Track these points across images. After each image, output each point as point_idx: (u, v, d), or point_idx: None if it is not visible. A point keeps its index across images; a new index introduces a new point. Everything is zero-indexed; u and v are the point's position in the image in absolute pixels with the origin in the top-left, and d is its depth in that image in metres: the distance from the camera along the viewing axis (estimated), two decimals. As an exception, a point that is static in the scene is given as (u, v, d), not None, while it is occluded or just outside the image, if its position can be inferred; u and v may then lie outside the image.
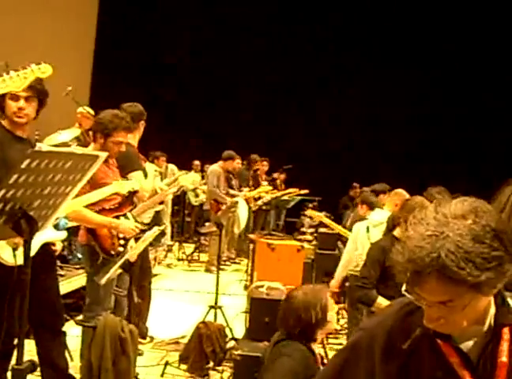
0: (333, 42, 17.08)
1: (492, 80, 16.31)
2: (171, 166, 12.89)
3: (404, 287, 1.72)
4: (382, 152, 16.51)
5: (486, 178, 12.58)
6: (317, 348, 3.84)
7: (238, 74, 17.01)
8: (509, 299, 1.81)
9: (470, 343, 1.76)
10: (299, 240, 10.40)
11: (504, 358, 1.73)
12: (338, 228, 8.20)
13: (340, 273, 7.22)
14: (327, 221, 8.66)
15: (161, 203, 6.51)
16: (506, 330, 1.75)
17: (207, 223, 8.08)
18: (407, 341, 1.78)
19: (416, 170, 15.52)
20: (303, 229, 11.65)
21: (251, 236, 8.23)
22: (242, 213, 10.64)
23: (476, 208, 1.67)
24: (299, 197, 13.49)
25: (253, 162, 13.26)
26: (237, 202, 7.95)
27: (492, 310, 1.76)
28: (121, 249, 5.14)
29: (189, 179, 5.95)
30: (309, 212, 9.52)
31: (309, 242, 10.05)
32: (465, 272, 1.57)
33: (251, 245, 7.90)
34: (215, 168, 11.63)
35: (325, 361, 3.87)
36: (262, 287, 5.37)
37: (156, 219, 6.89)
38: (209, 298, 7.10)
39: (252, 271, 7.38)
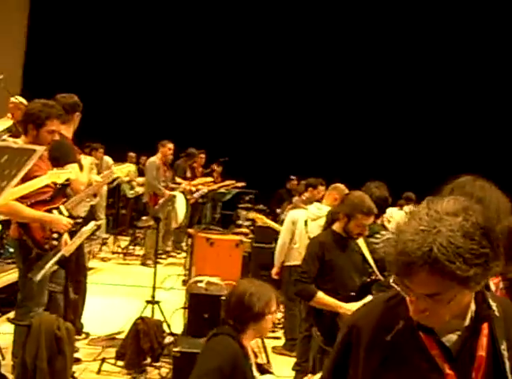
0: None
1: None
2: (107, 159, 12.67)
3: (391, 279, 1.78)
4: (319, 145, 16.64)
5: (426, 174, 12.85)
6: (249, 344, 3.81)
7: (174, 64, 16.88)
8: (489, 297, 1.89)
9: (453, 337, 1.83)
10: (236, 233, 10.41)
11: (482, 352, 1.82)
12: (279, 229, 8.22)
13: (278, 260, 7.27)
14: (270, 223, 8.67)
15: (96, 196, 6.36)
16: (485, 325, 1.84)
17: (144, 217, 7.95)
18: (390, 333, 1.84)
19: (355, 163, 15.72)
20: (239, 222, 11.63)
21: (190, 230, 8.15)
22: (180, 207, 10.55)
23: (466, 206, 1.74)
24: (236, 190, 13.47)
25: (191, 155, 13.16)
26: (175, 196, 7.86)
27: (473, 306, 1.84)
28: (54, 243, 5.01)
29: (124, 170, 5.82)
30: (252, 215, 9.51)
31: (245, 235, 10.04)
32: (455, 266, 1.64)
33: (189, 240, 7.82)
34: (153, 160, 11.50)
35: (260, 357, 3.86)
36: (201, 282, 5.31)
37: (92, 213, 6.74)
38: (146, 292, 7.00)
39: (190, 265, 7.31)
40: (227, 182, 13.45)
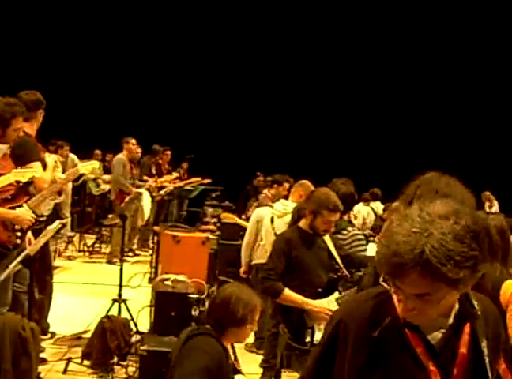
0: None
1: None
2: (72, 156, 12.53)
3: (381, 278, 1.81)
4: (286, 141, 16.68)
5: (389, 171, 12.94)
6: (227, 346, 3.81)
7: (138, 61, 16.79)
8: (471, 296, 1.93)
9: (438, 335, 1.87)
10: (202, 230, 10.37)
11: (464, 350, 1.88)
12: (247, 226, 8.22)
13: (244, 259, 7.28)
14: (241, 222, 8.67)
15: (60, 194, 6.29)
16: (467, 324, 1.90)
17: (110, 215, 7.89)
18: (376, 329, 1.86)
19: (321, 160, 15.80)
20: (206, 219, 11.59)
21: (156, 228, 8.11)
22: (146, 204, 10.49)
23: (457, 209, 1.78)
24: (202, 187, 13.44)
25: (156, 152, 13.10)
26: (141, 193, 7.81)
27: (457, 305, 1.89)
28: (18, 241, 4.95)
29: (88, 167, 5.76)
30: (223, 215, 9.52)
31: (212, 232, 10.02)
32: (446, 268, 1.67)
33: (155, 238, 7.78)
34: (120, 157, 11.42)
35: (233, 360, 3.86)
36: (167, 280, 5.29)
37: (57, 211, 6.66)
38: (112, 290, 6.95)
39: (157, 263, 7.27)
40: (194, 179, 13.43)
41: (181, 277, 5.28)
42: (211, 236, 9.06)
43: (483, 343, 1.89)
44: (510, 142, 16.46)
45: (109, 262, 11.17)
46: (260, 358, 6.51)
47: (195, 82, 16.94)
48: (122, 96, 16.86)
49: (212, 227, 10.55)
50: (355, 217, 11.96)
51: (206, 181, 13.34)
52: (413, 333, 1.85)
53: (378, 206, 12.72)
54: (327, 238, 5.16)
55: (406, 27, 16.99)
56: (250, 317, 3.73)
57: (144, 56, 16.91)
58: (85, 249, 12.11)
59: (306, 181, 7.04)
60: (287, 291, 4.85)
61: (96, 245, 12.37)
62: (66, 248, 11.93)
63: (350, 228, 5.61)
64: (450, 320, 1.88)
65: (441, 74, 17.25)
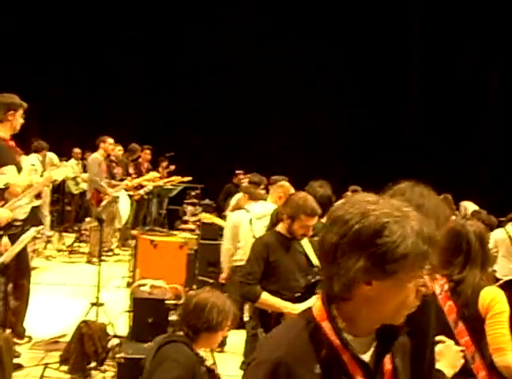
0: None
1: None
2: (51, 155, 12.39)
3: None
4: (266, 140, 16.67)
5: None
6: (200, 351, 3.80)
7: (118, 59, 16.68)
8: None
9: (370, 352, 1.83)
10: (182, 229, 10.32)
11: (389, 366, 1.86)
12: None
13: (224, 265, 7.25)
14: (220, 222, 8.64)
15: (39, 197, 6.24)
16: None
17: (87, 219, 7.84)
18: (317, 364, 1.77)
19: (301, 158, 15.83)
20: (186, 217, 11.56)
21: (133, 232, 8.06)
22: (123, 207, 10.44)
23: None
24: (182, 185, 13.36)
25: (133, 151, 13.02)
26: (117, 197, 7.76)
27: None
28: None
29: (62, 173, 5.71)
30: (201, 215, 9.48)
31: (192, 231, 9.97)
32: None
33: (133, 241, 7.74)
34: (96, 156, 11.34)
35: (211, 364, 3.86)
36: (145, 285, 5.25)
37: (33, 215, 6.58)
38: (91, 291, 6.89)
39: (135, 267, 7.23)
40: (173, 178, 13.34)
41: (158, 282, 5.24)
42: (191, 235, 9.04)
43: (398, 359, 1.88)
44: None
45: (89, 262, 11.09)
46: (238, 358, 6.53)
47: (173, 80, 16.85)
48: (102, 94, 16.76)
49: (192, 226, 10.51)
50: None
51: (186, 179, 13.25)
52: (349, 357, 1.77)
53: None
54: (305, 242, 5.15)
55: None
56: (224, 323, 3.73)
57: (121, 54, 16.77)
58: (64, 248, 12.01)
59: (286, 183, 7.04)
60: (264, 295, 4.84)
61: (76, 244, 12.27)
62: (45, 248, 11.83)
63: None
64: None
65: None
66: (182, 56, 16.97)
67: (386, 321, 1.79)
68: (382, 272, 1.69)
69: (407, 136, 17.51)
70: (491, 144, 17.12)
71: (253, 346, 5.84)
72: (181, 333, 3.75)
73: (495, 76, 17.35)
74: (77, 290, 8.92)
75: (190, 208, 12.11)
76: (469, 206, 14.60)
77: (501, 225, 9.87)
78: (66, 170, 5.85)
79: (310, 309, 1.86)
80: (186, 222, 11.12)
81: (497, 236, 9.37)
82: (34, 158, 11.53)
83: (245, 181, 10.64)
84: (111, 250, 12.15)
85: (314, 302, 1.87)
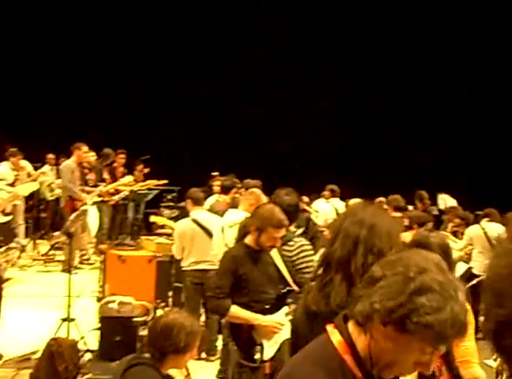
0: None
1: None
2: (24, 163, 12.24)
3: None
4: (241, 142, 16.64)
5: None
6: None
7: (92, 63, 16.57)
8: None
9: None
10: (159, 234, 10.22)
11: None
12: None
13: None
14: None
15: (6, 214, 6.15)
16: None
17: (55, 233, 7.75)
18: None
19: (277, 160, 15.81)
20: (162, 221, 11.46)
21: (101, 247, 7.97)
22: (92, 220, 10.35)
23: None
24: (158, 189, 13.24)
25: (107, 156, 12.88)
26: (86, 210, 7.67)
27: None
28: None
29: (28, 189, 5.64)
30: (153, 218, 9.42)
31: (169, 235, 9.88)
32: None
33: (102, 256, 7.66)
34: (69, 163, 11.21)
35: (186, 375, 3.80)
36: (113, 302, 5.18)
37: (4, 230, 6.50)
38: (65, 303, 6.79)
39: (104, 283, 7.14)
40: (149, 181, 13.20)
41: (127, 299, 5.17)
42: (167, 241, 8.97)
43: None
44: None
45: (64, 270, 10.93)
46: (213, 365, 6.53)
47: (148, 83, 16.76)
48: (76, 98, 16.59)
49: (169, 230, 10.41)
50: (317, 213, 11.92)
51: (162, 182, 13.13)
52: None
53: (337, 203, 12.70)
54: (274, 252, 5.11)
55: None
56: (193, 345, 3.67)
57: (96, 58, 16.64)
58: (39, 257, 11.85)
59: (257, 190, 6.99)
60: (234, 309, 4.80)
61: (51, 252, 12.10)
62: (20, 257, 11.67)
63: (297, 239, 5.54)
64: None
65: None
66: (156, 58, 16.85)
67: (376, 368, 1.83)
68: (402, 323, 1.73)
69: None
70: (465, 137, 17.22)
71: (227, 357, 5.81)
72: (147, 355, 3.68)
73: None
74: (52, 302, 8.76)
75: (166, 212, 12.01)
76: (447, 199, 14.68)
77: (477, 220, 9.91)
78: (32, 186, 5.77)
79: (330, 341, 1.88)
80: (162, 226, 11.02)
81: (472, 233, 9.40)
82: (5, 167, 11.43)
83: (216, 185, 10.58)
84: (87, 260, 11.97)
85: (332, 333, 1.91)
